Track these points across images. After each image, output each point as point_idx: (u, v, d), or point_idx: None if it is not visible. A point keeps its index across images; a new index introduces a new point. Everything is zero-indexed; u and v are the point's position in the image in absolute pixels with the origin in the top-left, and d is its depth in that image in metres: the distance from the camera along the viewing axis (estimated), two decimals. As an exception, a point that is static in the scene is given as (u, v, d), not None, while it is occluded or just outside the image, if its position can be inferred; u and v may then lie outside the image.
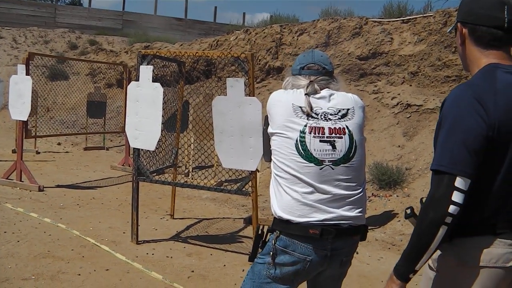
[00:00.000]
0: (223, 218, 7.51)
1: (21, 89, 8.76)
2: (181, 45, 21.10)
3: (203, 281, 5.07)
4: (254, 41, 13.95)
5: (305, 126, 2.54)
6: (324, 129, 2.55)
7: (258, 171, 5.80)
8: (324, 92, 2.66)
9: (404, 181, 8.11)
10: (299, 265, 2.54)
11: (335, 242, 2.54)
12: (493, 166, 1.94)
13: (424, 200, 1.98)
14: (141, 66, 5.97)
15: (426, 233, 1.91)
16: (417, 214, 2.03)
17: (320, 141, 2.54)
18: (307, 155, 2.52)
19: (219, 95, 5.59)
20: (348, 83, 11.04)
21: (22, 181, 8.88)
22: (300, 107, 2.58)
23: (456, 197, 1.86)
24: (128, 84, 11.49)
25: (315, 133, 2.54)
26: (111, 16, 31.99)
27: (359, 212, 2.61)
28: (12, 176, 8.96)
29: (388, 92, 10.53)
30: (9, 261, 5.23)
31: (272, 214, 2.62)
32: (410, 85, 10.43)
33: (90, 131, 13.53)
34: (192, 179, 9.34)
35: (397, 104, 10.06)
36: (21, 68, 8.86)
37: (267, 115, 2.70)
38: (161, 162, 6.73)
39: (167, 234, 6.51)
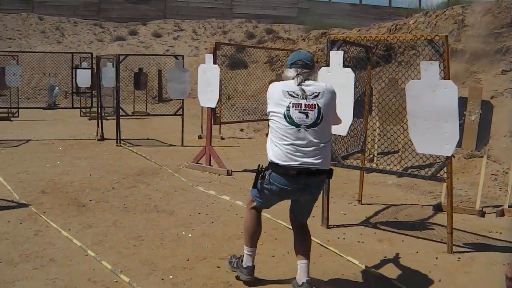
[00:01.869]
0: (411, 204, 7.34)
1: (209, 77, 9.22)
2: (359, 30, 20.90)
3: (395, 268, 5.00)
4: (435, 24, 13.47)
5: (290, 103, 4.00)
6: (301, 105, 3.99)
7: (454, 157, 5.60)
8: (306, 82, 4.08)
9: None
10: (282, 190, 4.07)
11: (307, 180, 4.01)
12: None
13: None
14: (331, 52, 5.98)
15: None
16: None
17: (299, 112, 3.98)
18: (290, 121, 3.98)
19: (412, 79, 5.45)
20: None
21: (211, 166, 9.37)
22: (287, 91, 4.04)
23: None
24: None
25: (295, 107, 3.98)
26: (286, 5, 32.52)
27: (322, 160, 4.02)
28: (201, 161, 9.49)
29: None
30: (205, 241, 5.56)
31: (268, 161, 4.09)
32: None
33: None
34: (377, 164, 9.25)
35: None
36: (209, 57, 9.32)
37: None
38: (350, 148, 6.73)
39: (356, 219, 6.50)
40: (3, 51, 17.81)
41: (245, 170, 9.35)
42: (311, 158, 3.98)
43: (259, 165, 4.17)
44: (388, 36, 6.09)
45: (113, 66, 14.73)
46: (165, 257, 5.04)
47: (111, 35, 28.57)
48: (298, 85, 4.04)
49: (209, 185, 8.18)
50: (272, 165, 4.03)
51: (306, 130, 3.97)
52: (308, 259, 4.26)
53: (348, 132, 6.08)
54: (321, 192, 6.23)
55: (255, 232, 4.41)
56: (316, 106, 3.99)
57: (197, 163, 9.49)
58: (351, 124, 5.98)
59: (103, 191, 7.49)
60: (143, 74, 18.79)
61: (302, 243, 4.33)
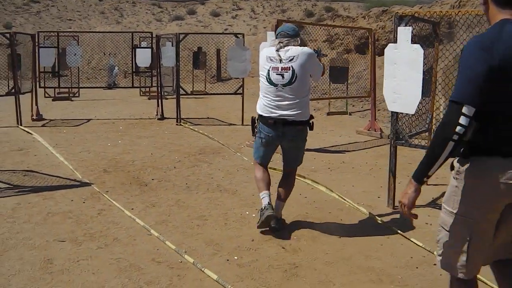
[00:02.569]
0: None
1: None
2: (421, 7, 20.26)
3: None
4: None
5: (270, 66, 4.82)
6: (278, 68, 4.78)
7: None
8: (286, 47, 4.83)
9: None
10: (267, 137, 4.95)
11: (284, 128, 4.87)
12: (499, 97, 2.42)
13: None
14: (399, 28, 5.66)
15: (438, 146, 2.47)
16: None
17: (276, 74, 4.80)
18: (269, 81, 4.83)
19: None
20: None
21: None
22: (269, 56, 4.85)
23: (462, 120, 2.39)
24: (373, 48, 11.42)
25: (273, 70, 4.80)
26: (345, -18, 31.90)
27: (297, 112, 4.82)
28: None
29: None
30: (270, 221, 5.37)
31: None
32: None
33: (332, 96, 13.58)
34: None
35: None
36: (271, 35, 9.08)
37: None
38: (416, 127, 6.42)
39: (423, 201, 6.17)
40: (63, 32, 18.03)
41: (307, 150, 9.07)
42: (287, 111, 4.81)
43: (253, 117, 5.16)
44: (459, 11, 5.73)
45: (172, 45, 14.72)
46: (229, 237, 4.89)
47: (169, 15, 28.66)
48: (276, 51, 4.84)
49: (270, 164, 7.98)
50: (259, 117, 4.99)
51: (283, 89, 4.80)
52: (284, 202, 5.19)
53: (415, 111, 5.77)
54: (384, 171, 6.12)
55: (263, 177, 5.11)
56: (291, 68, 4.76)
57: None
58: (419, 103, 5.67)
59: (165, 170, 7.40)
60: (202, 53, 18.76)
61: (285, 188, 5.18)
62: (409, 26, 5.67)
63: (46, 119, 12.38)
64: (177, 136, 10.29)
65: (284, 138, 4.94)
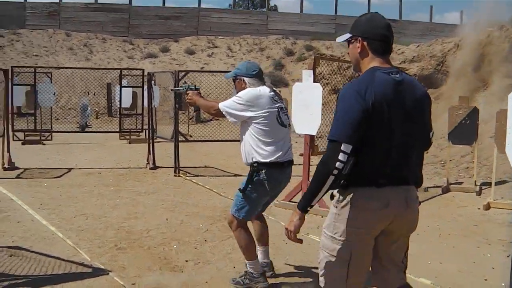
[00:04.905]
0: None
1: (307, 98, 7.48)
2: (418, 46, 19.26)
3: None
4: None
5: (277, 107, 4.42)
6: (283, 108, 4.48)
7: None
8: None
9: None
10: (275, 187, 4.41)
11: (288, 170, 4.50)
12: (373, 135, 2.68)
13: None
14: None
15: (320, 180, 2.69)
16: None
17: (284, 114, 4.46)
18: (281, 123, 4.42)
19: None
20: None
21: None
22: (271, 97, 4.40)
23: (341, 156, 2.62)
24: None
25: (282, 111, 4.44)
26: (324, 21, 30.88)
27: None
28: (295, 198, 7.75)
29: None
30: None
31: None
32: None
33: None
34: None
35: None
36: (308, 74, 7.59)
37: None
38: None
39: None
40: (41, 67, 16.20)
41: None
42: (289, 151, 4.43)
43: (255, 165, 4.27)
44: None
45: (155, 85, 13.11)
46: None
47: (142, 52, 27.02)
48: (272, 91, 4.41)
49: (318, 231, 6.39)
50: (268, 165, 4.24)
51: (287, 129, 4.46)
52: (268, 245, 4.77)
53: None
54: None
55: (253, 244, 4.47)
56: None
57: (290, 201, 7.73)
58: None
59: (195, 245, 5.71)
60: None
61: (264, 232, 4.74)
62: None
63: (19, 168, 10.53)
64: (184, 193, 8.59)
65: (287, 182, 4.57)
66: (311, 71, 7.55)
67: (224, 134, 13.31)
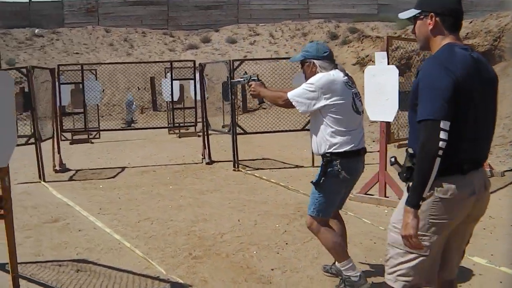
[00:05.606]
0: None
1: (382, 82, 6.80)
2: (471, 22, 18.27)
3: None
4: None
5: (352, 92, 4.01)
6: (357, 93, 4.07)
7: None
8: None
9: None
10: (353, 176, 4.05)
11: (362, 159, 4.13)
12: (460, 111, 2.50)
13: (409, 149, 2.63)
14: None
15: (426, 167, 2.45)
16: (399, 162, 2.72)
17: (358, 100, 4.05)
18: (356, 110, 4.01)
19: None
20: None
21: (387, 197, 6.95)
22: (346, 82, 3.99)
23: (443, 135, 2.42)
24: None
25: (356, 96, 4.02)
26: (366, 2, 29.85)
27: None
28: (371, 191, 7.12)
29: None
30: None
31: None
32: None
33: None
34: None
35: None
36: (381, 56, 6.89)
37: None
38: None
39: None
40: (77, 64, 15.82)
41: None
42: (362, 139, 4.03)
43: (327, 155, 3.91)
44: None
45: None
46: None
47: (183, 44, 26.51)
48: (346, 75, 3.98)
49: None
50: (343, 154, 3.87)
51: (361, 115, 4.04)
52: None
53: None
54: None
55: (342, 243, 4.09)
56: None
57: (366, 193, 7.09)
58: None
59: (277, 250, 5.12)
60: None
61: (344, 232, 4.30)
62: None
63: (71, 169, 10.12)
64: (249, 189, 8.01)
65: (361, 171, 4.15)
66: (385, 52, 6.85)
67: (275, 123, 12.63)
